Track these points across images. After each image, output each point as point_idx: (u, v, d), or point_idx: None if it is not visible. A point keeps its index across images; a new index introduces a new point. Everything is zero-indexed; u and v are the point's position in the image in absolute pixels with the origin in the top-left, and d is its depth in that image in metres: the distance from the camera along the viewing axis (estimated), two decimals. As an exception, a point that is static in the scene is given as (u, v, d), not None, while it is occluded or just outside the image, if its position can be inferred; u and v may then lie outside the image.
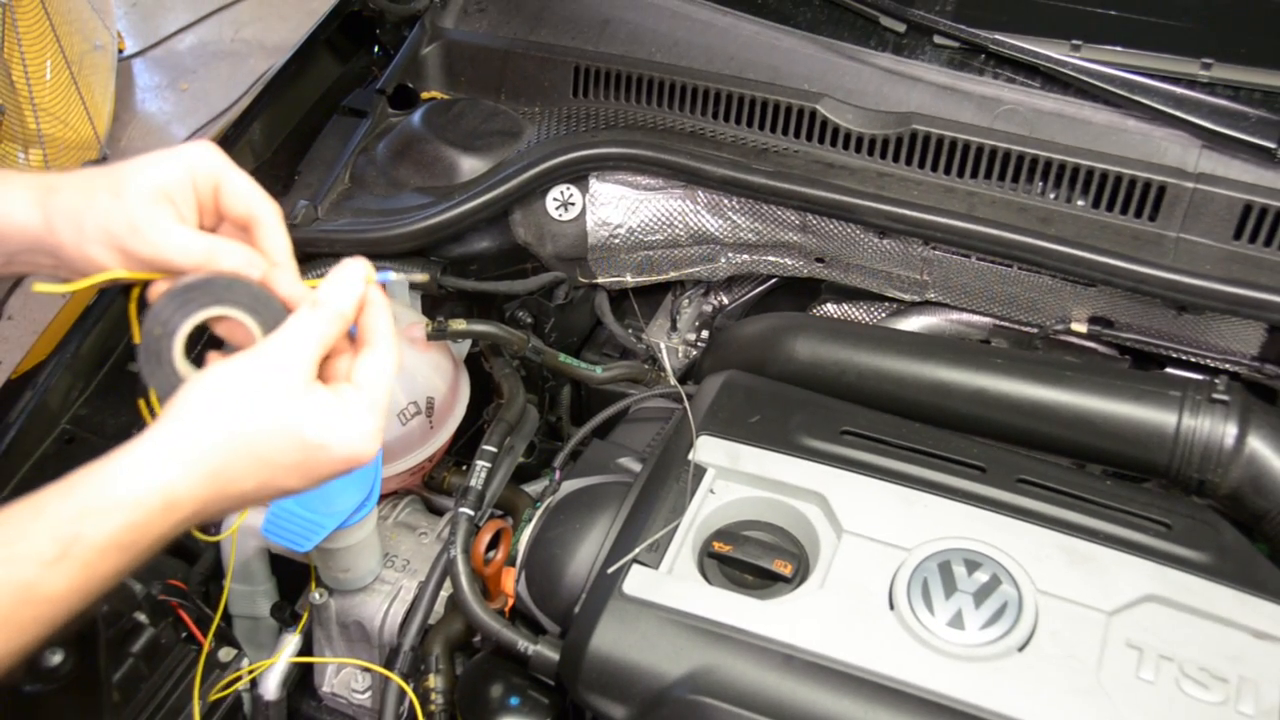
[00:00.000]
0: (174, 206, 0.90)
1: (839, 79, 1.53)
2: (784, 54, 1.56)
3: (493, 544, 1.38)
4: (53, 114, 3.58)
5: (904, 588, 1.11)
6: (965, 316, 1.57)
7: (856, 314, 1.65)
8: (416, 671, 1.33)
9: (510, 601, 1.33)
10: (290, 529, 1.25)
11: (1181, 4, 1.53)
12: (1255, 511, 1.24)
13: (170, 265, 0.89)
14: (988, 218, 1.40)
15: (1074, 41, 1.49)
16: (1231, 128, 1.35)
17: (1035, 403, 1.31)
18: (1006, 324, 1.55)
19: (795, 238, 1.57)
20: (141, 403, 0.92)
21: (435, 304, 1.67)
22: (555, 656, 1.21)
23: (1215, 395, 1.25)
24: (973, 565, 1.11)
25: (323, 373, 0.88)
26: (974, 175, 1.45)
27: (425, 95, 1.74)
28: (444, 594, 1.39)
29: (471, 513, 1.36)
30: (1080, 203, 1.42)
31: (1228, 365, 1.43)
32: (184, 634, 1.40)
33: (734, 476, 1.24)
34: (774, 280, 1.77)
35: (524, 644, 1.23)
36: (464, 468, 1.59)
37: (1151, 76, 1.42)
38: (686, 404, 1.34)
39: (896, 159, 1.48)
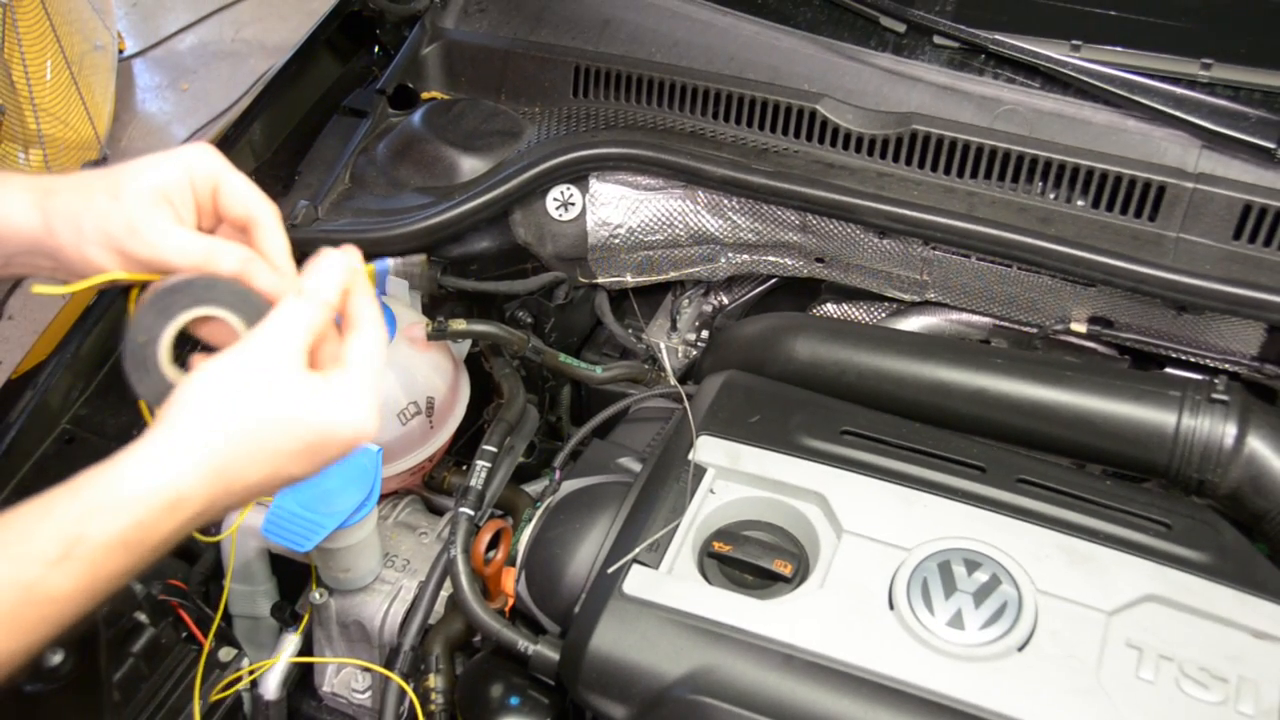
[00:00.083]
0: (172, 208, 0.90)
1: (839, 79, 1.53)
2: (784, 54, 1.56)
3: (493, 544, 1.38)
4: (53, 114, 3.58)
5: (904, 588, 1.11)
6: (965, 316, 1.57)
7: (856, 314, 1.65)
8: (416, 671, 1.33)
9: (510, 601, 1.33)
10: (290, 529, 1.26)
11: (1181, 4, 1.53)
12: (1255, 511, 1.24)
13: (168, 266, 0.89)
14: (988, 218, 1.41)
15: (1074, 41, 1.49)
16: (1231, 128, 1.35)
17: (1035, 403, 1.31)
18: (1006, 324, 1.55)
19: (795, 238, 1.57)
20: (142, 404, 0.92)
21: (435, 304, 1.67)
22: (555, 656, 1.21)
23: (1215, 395, 1.25)
24: (972, 565, 1.12)
25: (311, 360, 0.88)
26: (974, 175, 1.45)
27: (425, 95, 1.74)
28: (444, 594, 1.39)
29: (471, 513, 1.36)
30: (1080, 203, 1.42)
31: (1227, 365, 1.43)
32: (184, 634, 1.40)
33: (734, 476, 1.24)
34: (774, 280, 1.77)
35: (524, 644, 1.23)
36: (464, 468, 1.59)
37: (1151, 76, 1.42)
38: (686, 404, 1.34)
39: (896, 159, 1.48)
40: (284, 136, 1.77)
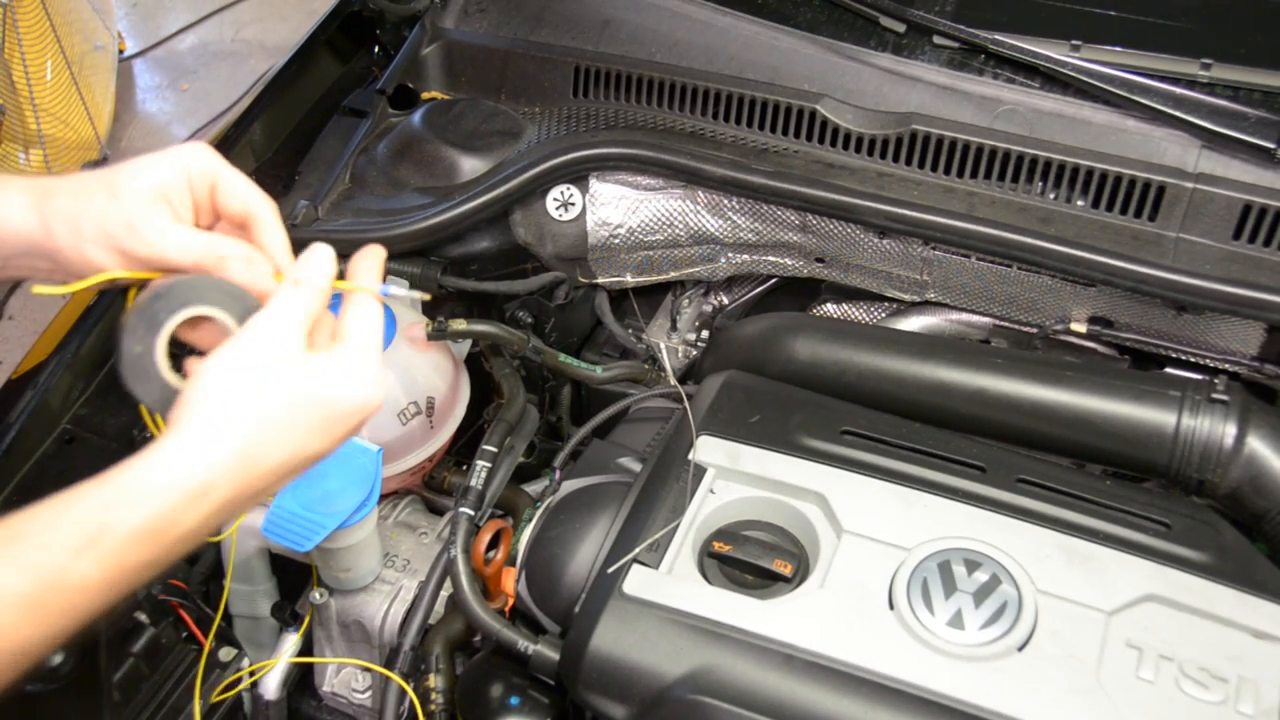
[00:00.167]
0: (170, 207, 0.91)
1: (839, 79, 1.53)
2: (784, 54, 1.56)
3: (493, 544, 1.38)
4: (53, 114, 3.58)
5: (904, 587, 1.11)
6: (965, 316, 1.57)
7: (856, 314, 1.65)
8: (417, 671, 1.33)
9: (510, 601, 1.33)
10: (290, 529, 1.26)
11: (1181, 4, 1.53)
12: (1255, 511, 1.24)
13: (168, 263, 0.90)
14: (988, 218, 1.41)
15: (1074, 42, 1.49)
16: (1231, 128, 1.35)
17: (1035, 403, 1.31)
18: (1006, 324, 1.55)
19: (795, 238, 1.57)
20: (144, 409, 0.92)
21: (435, 304, 1.67)
22: (555, 656, 1.21)
23: (1215, 395, 1.25)
24: (972, 565, 1.12)
25: (309, 344, 0.90)
26: (974, 175, 1.45)
27: (425, 95, 1.74)
28: (444, 594, 1.39)
29: (472, 513, 1.36)
30: (1080, 203, 1.42)
31: (1227, 365, 1.43)
32: (184, 634, 1.40)
33: (734, 476, 1.24)
34: (774, 280, 1.77)
35: (524, 644, 1.23)
36: (464, 468, 1.59)
37: (1151, 76, 1.42)
38: (686, 404, 1.34)
39: (896, 159, 1.48)
40: (284, 136, 1.77)
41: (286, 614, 1.42)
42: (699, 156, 1.51)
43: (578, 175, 1.58)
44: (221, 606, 1.41)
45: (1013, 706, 1.02)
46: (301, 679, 1.46)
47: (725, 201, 1.57)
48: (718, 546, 1.18)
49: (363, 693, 1.45)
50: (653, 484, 1.25)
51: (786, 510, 1.21)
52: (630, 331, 1.77)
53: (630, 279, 1.68)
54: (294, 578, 1.48)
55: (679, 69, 1.57)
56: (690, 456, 1.24)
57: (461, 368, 1.59)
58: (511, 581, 1.32)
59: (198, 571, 1.46)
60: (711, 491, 1.23)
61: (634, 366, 1.66)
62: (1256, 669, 1.05)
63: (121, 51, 4.32)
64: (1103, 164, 1.39)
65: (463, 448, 1.64)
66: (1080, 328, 1.46)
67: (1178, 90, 1.40)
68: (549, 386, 1.78)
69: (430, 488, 1.60)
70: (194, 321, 0.90)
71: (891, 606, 1.10)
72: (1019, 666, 1.05)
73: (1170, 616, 1.09)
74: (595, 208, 1.60)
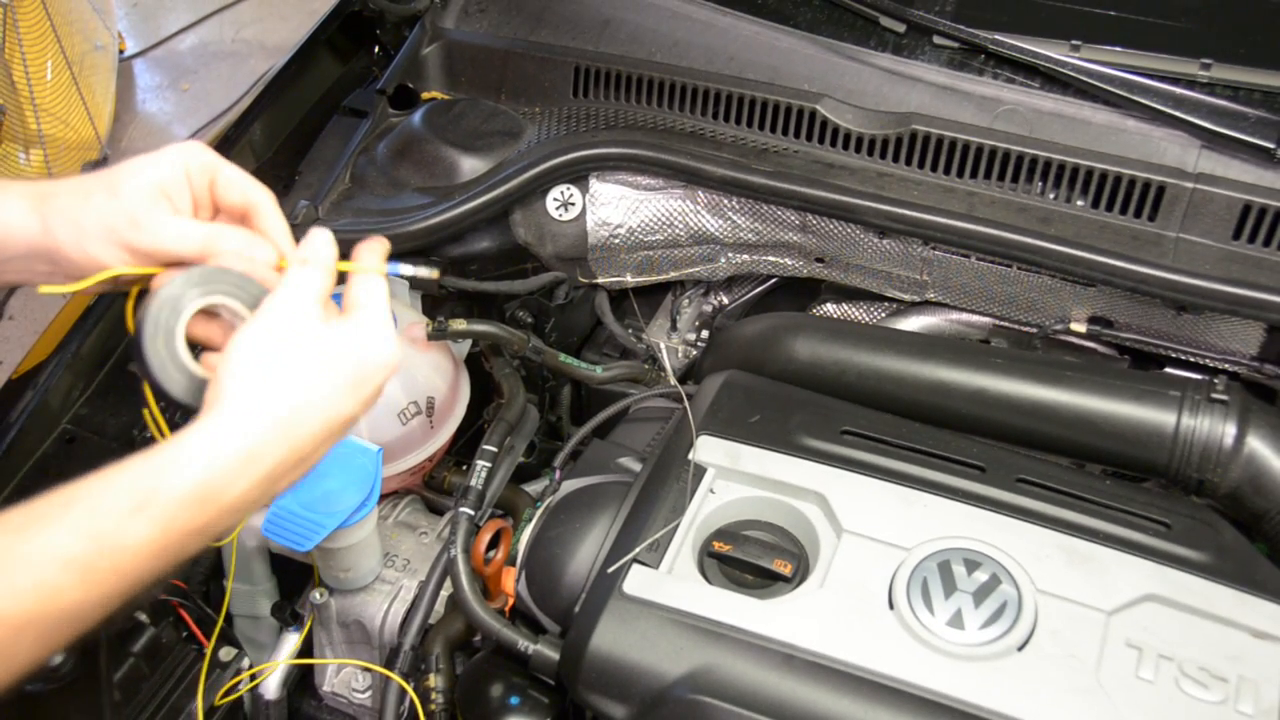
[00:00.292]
0: (170, 202, 0.93)
1: (839, 79, 1.53)
2: (784, 54, 1.56)
3: (493, 544, 1.38)
4: (54, 114, 3.58)
5: (904, 587, 1.11)
6: (965, 316, 1.57)
7: (856, 314, 1.65)
8: (417, 671, 1.33)
9: (510, 601, 1.33)
10: (291, 529, 1.26)
11: (1181, 4, 1.53)
12: (1254, 511, 1.24)
13: (171, 255, 0.92)
14: (987, 218, 1.41)
15: (1074, 42, 1.49)
16: (1231, 128, 1.35)
17: (1035, 403, 1.31)
18: (1006, 324, 1.55)
19: (795, 238, 1.57)
20: (146, 413, 0.93)
21: (435, 304, 1.67)
22: (555, 656, 1.21)
23: (1214, 395, 1.25)
24: (972, 565, 1.12)
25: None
26: (974, 175, 1.45)
27: (426, 95, 1.74)
28: (444, 593, 1.39)
29: (472, 512, 1.36)
30: (1080, 203, 1.42)
31: (1227, 365, 1.43)
32: (185, 633, 1.40)
33: (734, 476, 1.24)
34: (774, 280, 1.77)
35: (524, 643, 1.23)
36: (464, 467, 1.59)
37: (1151, 77, 1.42)
38: (686, 404, 1.34)
39: (896, 159, 1.48)
40: (284, 137, 1.78)
41: (286, 614, 1.42)
42: (699, 156, 1.51)
43: (578, 175, 1.58)
44: (224, 607, 1.41)
45: (1013, 706, 1.02)
46: (302, 679, 1.46)
47: (725, 201, 1.57)
48: (718, 546, 1.18)
49: (363, 692, 1.45)
50: (653, 484, 1.25)
51: (786, 510, 1.21)
52: (630, 331, 1.77)
53: (630, 279, 1.68)
54: (294, 578, 1.48)
55: (679, 69, 1.57)
56: (690, 456, 1.24)
57: (461, 368, 1.59)
58: (511, 581, 1.32)
59: (198, 571, 1.46)
60: (711, 491, 1.23)
61: (634, 366, 1.66)
62: (1256, 669, 1.05)
63: (122, 51, 4.33)
64: (1103, 164, 1.39)
65: (463, 448, 1.64)
66: (1080, 328, 1.47)
67: (1177, 90, 1.40)
68: (549, 386, 1.79)
69: (430, 488, 1.60)
70: (203, 316, 0.91)
71: (891, 606, 1.10)
72: (1019, 666, 1.05)
73: (1170, 616, 1.09)
74: (595, 208, 1.60)
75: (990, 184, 1.45)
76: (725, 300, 1.80)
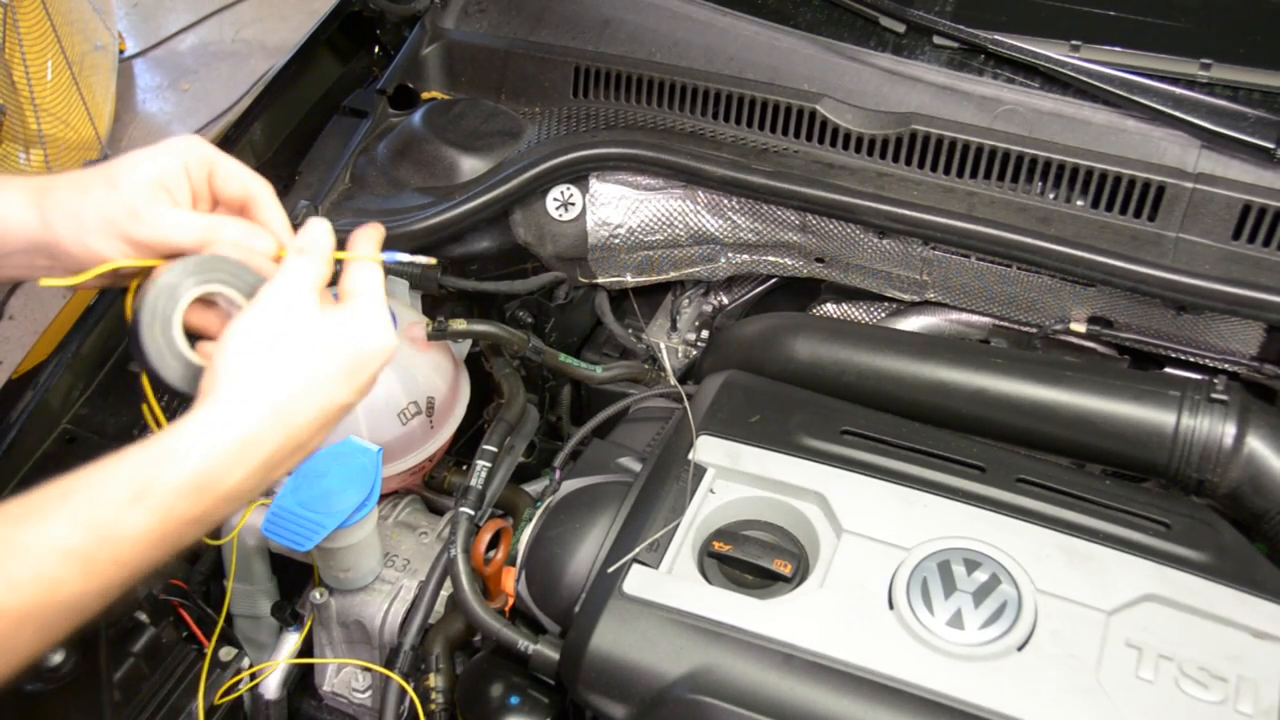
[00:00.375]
0: (169, 194, 0.94)
1: (839, 79, 1.53)
2: (784, 54, 1.56)
3: (493, 543, 1.38)
4: (54, 114, 3.58)
5: (903, 587, 1.11)
6: (965, 316, 1.57)
7: (856, 314, 1.65)
8: (417, 671, 1.33)
9: (510, 601, 1.33)
10: (291, 529, 1.26)
11: (1181, 4, 1.53)
12: (1254, 511, 1.24)
13: (171, 247, 0.93)
14: (987, 218, 1.41)
15: (1073, 42, 1.49)
16: (1231, 128, 1.35)
17: (1035, 403, 1.31)
18: (1006, 324, 1.55)
19: (795, 238, 1.57)
20: (145, 408, 0.93)
21: (435, 304, 1.67)
22: (555, 656, 1.21)
23: (1214, 395, 1.25)
24: (972, 565, 1.12)
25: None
26: (974, 175, 1.45)
27: (426, 95, 1.74)
28: (444, 593, 1.39)
29: (472, 512, 1.36)
30: (1079, 203, 1.42)
31: (1227, 365, 1.43)
32: (185, 633, 1.40)
33: (734, 476, 1.24)
34: (774, 280, 1.77)
35: (524, 643, 1.23)
36: (464, 467, 1.59)
37: (1151, 77, 1.42)
38: (686, 404, 1.34)
39: (896, 159, 1.48)
40: (284, 137, 1.78)
41: (286, 614, 1.42)
42: (699, 156, 1.51)
43: (578, 175, 1.58)
44: (225, 607, 1.41)
45: (1012, 706, 1.02)
46: (302, 679, 1.46)
47: (725, 201, 1.57)
48: (718, 546, 1.18)
49: (363, 692, 1.45)
50: (653, 484, 1.25)
51: (786, 510, 1.21)
52: (630, 331, 1.77)
53: (630, 279, 1.68)
54: (294, 578, 1.48)
55: (679, 69, 1.57)
56: (690, 456, 1.25)
57: (461, 368, 1.59)
58: (511, 581, 1.32)
59: (198, 571, 1.46)
60: (711, 491, 1.23)
61: (634, 366, 1.66)
62: (1256, 669, 1.05)
63: (122, 51, 4.33)
64: (1102, 164, 1.39)
65: (463, 448, 1.64)
66: (1080, 328, 1.47)
67: (1177, 90, 1.40)
68: (549, 386, 1.79)
69: (430, 488, 1.60)
70: (200, 305, 0.92)
71: (891, 606, 1.10)
72: (1019, 666, 1.05)
73: (1170, 616, 1.09)
74: (595, 208, 1.60)
75: (990, 184, 1.45)
76: (725, 300, 1.80)
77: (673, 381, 1.62)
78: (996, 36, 1.47)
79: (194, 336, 0.93)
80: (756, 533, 1.21)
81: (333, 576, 1.39)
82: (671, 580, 1.15)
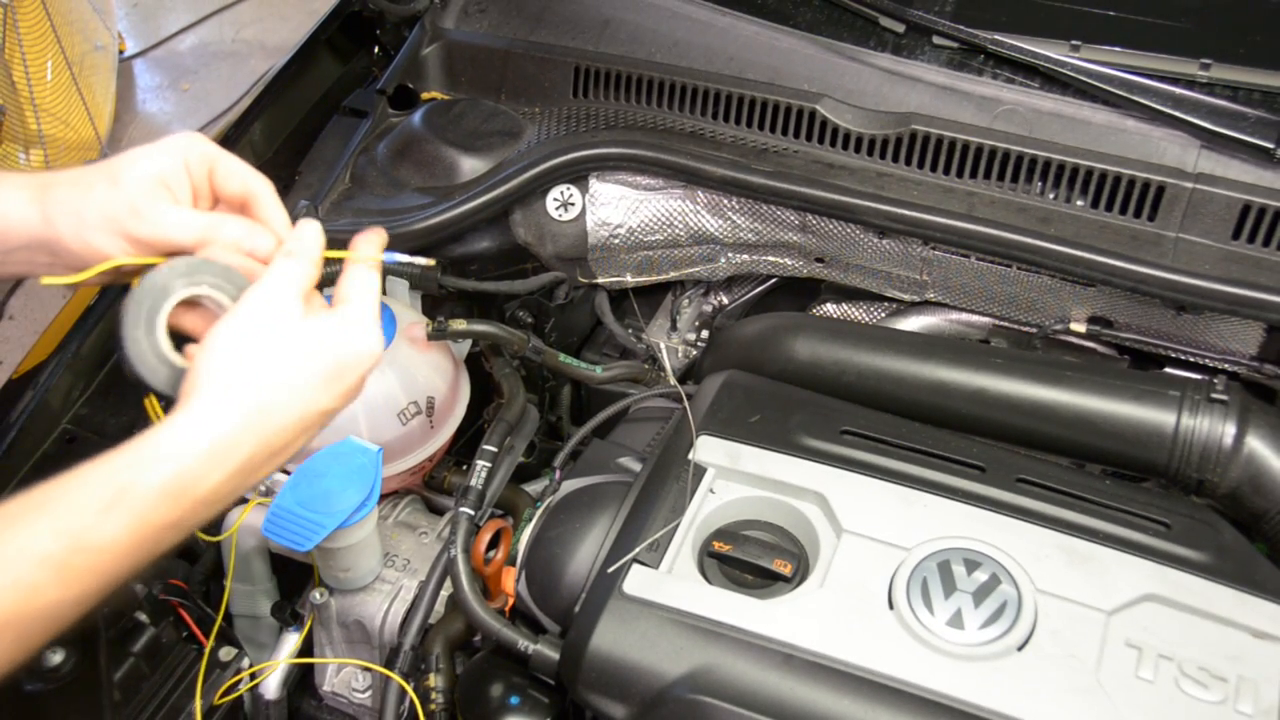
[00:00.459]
0: (170, 191, 0.94)
1: (839, 79, 1.53)
2: (784, 54, 1.56)
3: (493, 543, 1.38)
4: (54, 114, 3.58)
5: (903, 587, 1.11)
6: (965, 316, 1.57)
7: (856, 314, 1.65)
8: (417, 671, 1.33)
9: (510, 601, 1.33)
10: (290, 528, 1.26)
11: (1181, 4, 1.53)
12: (1254, 511, 1.24)
13: (172, 244, 0.92)
14: (987, 218, 1.41)
15: (1073, 42, 1.49)
16: (1230, 128, 1.35)
17: (1035, 403, 1.31)
18: (1006, 324, 1.55)
19: (795, 238, 1.57)
20: (147, 402, 0.93)
21: (435, 304, 1.67)
22: (555, 656, 1.21)
23: (1214, 395, 1.25)
24: (972, 565, 1.12)
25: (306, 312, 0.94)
26: (973, 175, 1.45)
27: (426, 95, 1.74)
28: (444, 593, 1.39)
29: (472, 512, 1.36)
30: (1079, 203, 1.42)
31: (1227, 365, 1.43)
32: (185, 633, 1.40)
33: (734, 476, 1.24)
34: (774, 280, 1.77)
35: (524, 643, 1.23)
36: (464, 467, 1.59)
37: (1150, 77, 1.42)
38: (686, 404, 1.34)
39: (896, 159, 1.48)
40: (284, 137, 1.78)
41: (286, 614, 1.42)
42: (699, 156, 1.51)
43: (578, 175, 1.58)
44: (223, 607, 1.41)
45: (1012, 706, 1.02)
46: (301, 678, 1.46)
47: (725, 201, 1.57)
48: (718, 546, 1.18)
49: (363, 692, 1.45)
50: (653, 484, 1.25)
51: (786, 510, 1.21)
52: (630, 331, 1.77)
53: (630, 279, 1.68)
54: (294, 578, 1.48)
55: (679, 69, 1.57)
56: (690, 456, 1.25)
57: (461, 368, 1.59)
58: (511, 581, 1.32)
59: (198, 571, 1.46)
60: (711, 491, 1.23)
61: (634, 366, 1.66)
62: (1256, 669, 1.05)
63: (122, 51, 4.33)
64: (1102, 164, 1.39)
65: (463, 448, 1.64)
66: (1080, 328, 1.47)
67: (1177, 90, 1.40)
68: (549, 386, 1.79)
69: (430, 488, 1.60)
70: (188, 307, 0.92)
71: (891, 606, 1.10)
72: (1019, 666, 1.05)
73: (1170, 616, 1.09)
74: (595, 208, 1.60)
75: (990, 184, 1.45)
76: (725, 300, 1.80)
77: (673, 381, 1.62)
78: (996, 36, 1.47)
79: (186, 339, 0.93)
80: (756, 533, 1.21)
81: (333, 576, 1.39)
82: (671, 580, 1.15)
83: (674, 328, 1.77)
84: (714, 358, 1.53)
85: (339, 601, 1.41)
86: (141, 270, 0.93)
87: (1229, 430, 1.23)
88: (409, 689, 1.31)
